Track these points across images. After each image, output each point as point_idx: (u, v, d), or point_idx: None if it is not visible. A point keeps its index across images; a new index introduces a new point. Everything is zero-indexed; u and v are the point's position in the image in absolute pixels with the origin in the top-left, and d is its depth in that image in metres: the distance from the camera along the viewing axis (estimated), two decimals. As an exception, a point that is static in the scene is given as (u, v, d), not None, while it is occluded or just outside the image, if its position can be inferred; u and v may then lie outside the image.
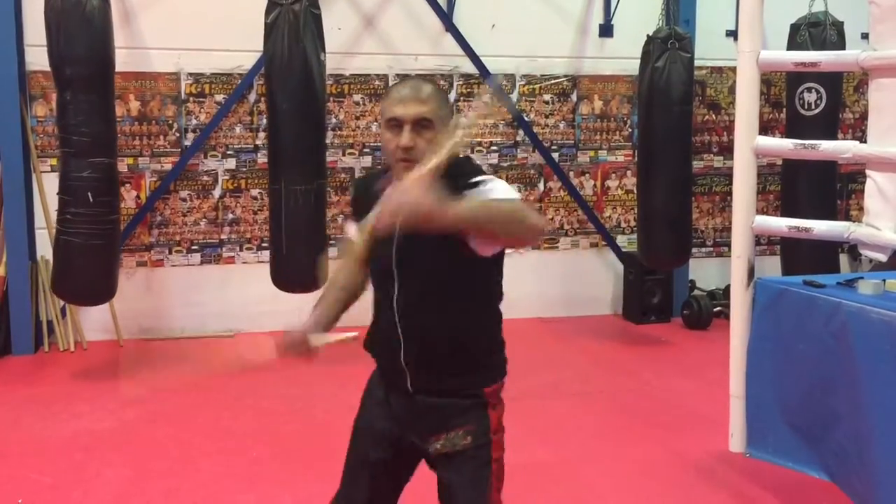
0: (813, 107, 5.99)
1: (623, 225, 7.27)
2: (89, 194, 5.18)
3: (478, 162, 2.41)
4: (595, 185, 7.19)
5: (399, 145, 2.06)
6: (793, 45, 5.98)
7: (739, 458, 4.07)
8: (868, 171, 3.73)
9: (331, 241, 6.51)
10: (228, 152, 6.52)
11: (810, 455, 3.82)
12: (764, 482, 3.78)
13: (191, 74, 6.40)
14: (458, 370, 2.15)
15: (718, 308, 6.80)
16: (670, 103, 6.11)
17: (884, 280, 3.74)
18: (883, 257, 3.78)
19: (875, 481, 3.34)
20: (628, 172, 7.18)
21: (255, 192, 6.55)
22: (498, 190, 2.03)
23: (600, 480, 3.83)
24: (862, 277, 3.90)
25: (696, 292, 7.07)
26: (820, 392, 3.71)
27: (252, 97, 6.48)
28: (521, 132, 6.98)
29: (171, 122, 6.40)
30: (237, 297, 6.51)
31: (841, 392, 3.57)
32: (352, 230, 2.26)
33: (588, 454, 4.12)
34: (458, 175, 2.05)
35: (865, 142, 3.80)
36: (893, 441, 3.25)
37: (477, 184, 2.04)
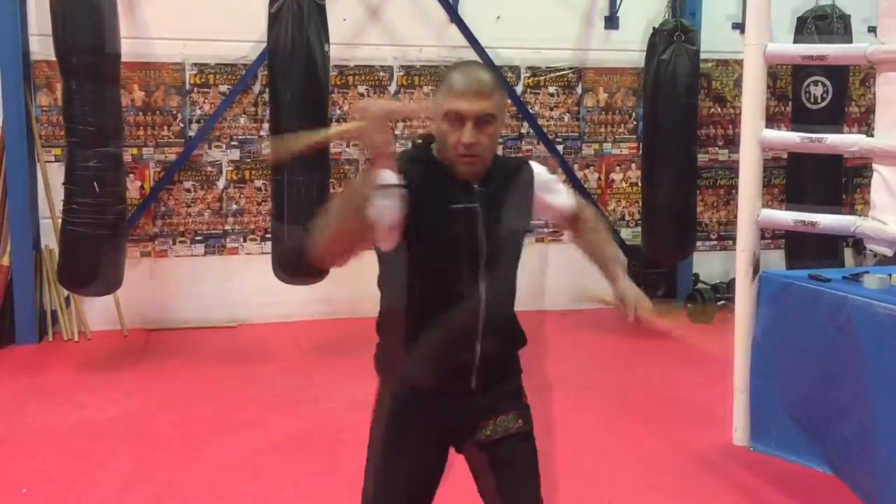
0: (819, 100, 5.97)
1: (627, 218, 7.25)
2: (95, 184, 5.17)
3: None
4: (599, 178, 7.17)
5: (461, 142, 1.97)
6: (799, 37, 5.95)
7: (743, 452, 4.06)
8: (875, 165, 3.71)
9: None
10: (232, 143, 6.51)
11: (813, 449, 3.81)
12: (767, 476, 3.78)
13: (195, 64, 6.38)
14: (511, 356, 2.19)
15: (722, 301, 6.78)
16: (676, 96, 6.09)
17: (890, 274, 3.73)
18: (889, 252, 3.76)
19: (878, 475, 3.34)
20: (633, 165, 7.16)
21: (258, 182, 6.54)
22: (569, 193, 2.28)
23: (603, 473, 3.83)
24: (867, 272, 3.89)
25: (700, 285, 7.06)
26: (824, 386, 3.70)
27: (256, 88, 6.47)
28: (525, 124, 6.96)
29: (175, 112, 6.39)
30: (241, 288, 6.51)
31: (845, 386, 3.56)
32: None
33: (591, 447, 4.11)
34: (513, 167, 2.17)
35: (872, 135, 3.78)
36: (897, 436, 3.24)
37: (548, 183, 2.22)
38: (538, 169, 2.20)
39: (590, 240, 2.29)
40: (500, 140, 6.90)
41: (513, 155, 6.92)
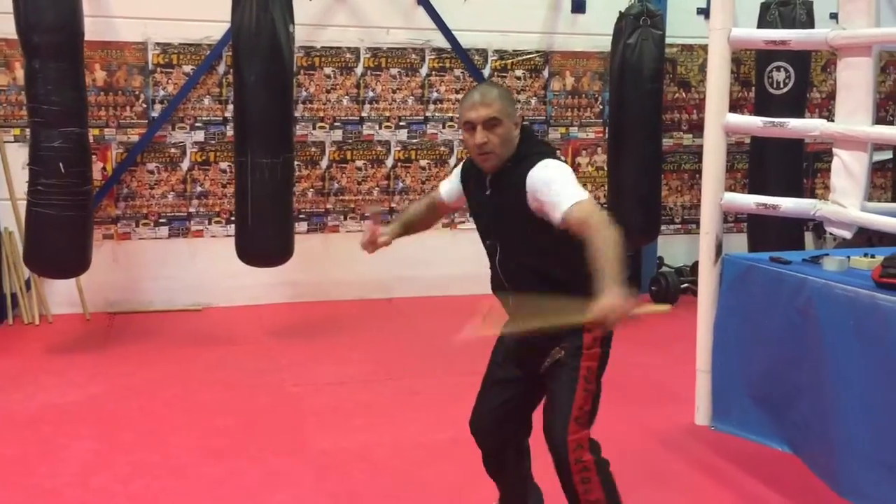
0: (781, 86, 6.05)
1: (593, 202, 7.29)
2: (61, 165, 5.08)
3: (539, 139, 3.04)
4: (566, 162, 7.19)
5: (475, 142, 2.58)
6: (763, 23, 6.02)
7: (705, 431, 4.14)
8: (835, 150, 3.78)
9: (299, 216, 6.49)
10: (197, 124, 6.44)
11: (773, 428, 3.89)
12: (728, 454, 3.85)
13: (158, 44, 6.29)
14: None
15: (686, 284, 6.87)
16: (641, 80, 6.13)
17: (848, 257, 3.80)
18: (848, 234, 3.83)
19: (836, 454, 3.41)
20: (599, 149, 7.20)
21: (223, 164, 6.48)
22: (565, 193, 2.48)
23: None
24: (827, 254, 3.96)
25: (664, 269, 7.14)
26: (784, 366, 3.77)
27: (221, 68, 6.40)
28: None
29: (137, 92, 6.29)
30: (206, 271, 6.46)
31: (805, 366, 3.63)
32: (444, 188, 2.95)
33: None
34: (521, 165, 2.57)
35: (833, 120, 3.84)
36: (854, 414, 3.32)
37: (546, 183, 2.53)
38: (537, 170, 2.54)
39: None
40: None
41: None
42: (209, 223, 6.53)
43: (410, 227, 3.03)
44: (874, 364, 3.23)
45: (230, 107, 6.29)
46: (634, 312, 2.35)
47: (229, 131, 6.34)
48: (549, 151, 2.68)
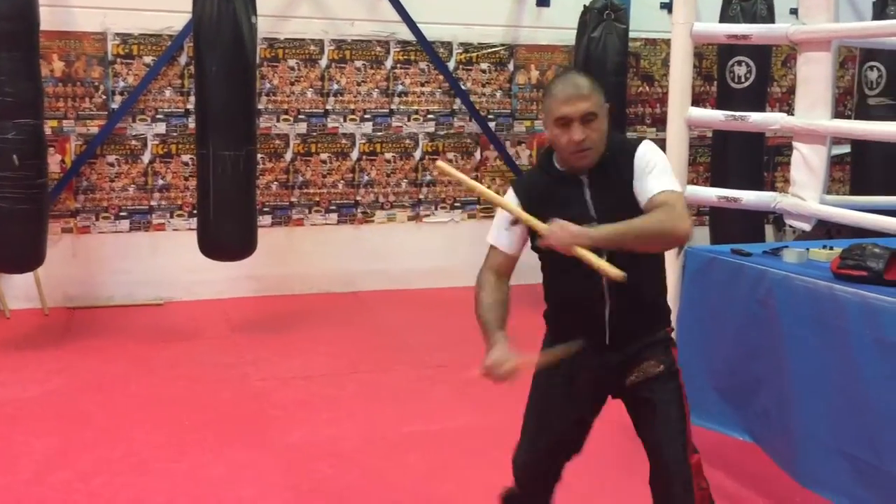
0: (743, 80, 6.12)
1: (558, 195, 7.32)
2: (15, 157, 4.98)
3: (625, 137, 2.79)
4: (531, 155, 7.22)
5: (572, 140, 2.30)
6: (725, 18, 6.08)
7: (668, 422, 4.17)
8: (795, 143, 3.84)
9: (263, 209, 6.43)
10: (158, 116, 6.34)
11: (736, 418, 3.94)
12: (691, 445, 3.89)
13: (118, 35, 6.19)
14: (647, 317, 2.50)
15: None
16: (605, 74, 6.15)
17: (807, 249, 3.86)
18: (807, 226, 3.90)
19: (795, 443, 3.47)
20: (563, 143, 7.21)
21: (185, 157, 6.39)
22: (665, 178, 2.31)
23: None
24: (787, 246, 4.02)
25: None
26: (745, 357, 3.82)
27: (183, 59, 6.31)
28: (457, 101, 6.96)
29: (97, 83, 6.19)
30: (167, 265, 6.37)
31: (765, 357, 3.68)
32: (503, 240, 2.48)
33: (516, 420, 4.16)
34: (620, 152, 2.37)
35: (793, 114, 3.90)
36: (813, 404, 3.37)
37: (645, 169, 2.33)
38: (641, 150, 2.36)
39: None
40: (433, 116, 6.90)
41: (445, 132, 6.93)
42: (171, 216, 6.45)
43: (505, 320, 2.44)
44: (832, 354, 3.29)
45: (192, 98, 6.21)
46: (582, 253, 2.19)
47: (191, 123, 6.25)
48: (636, 139, 2.55)
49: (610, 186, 2.36)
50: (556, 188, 2.40)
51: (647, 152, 2.37)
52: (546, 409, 2.53)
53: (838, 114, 6.44)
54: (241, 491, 3.42)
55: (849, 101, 7.21)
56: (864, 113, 6.20)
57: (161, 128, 6.35)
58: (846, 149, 6.81)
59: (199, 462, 3.68)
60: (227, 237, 5.51)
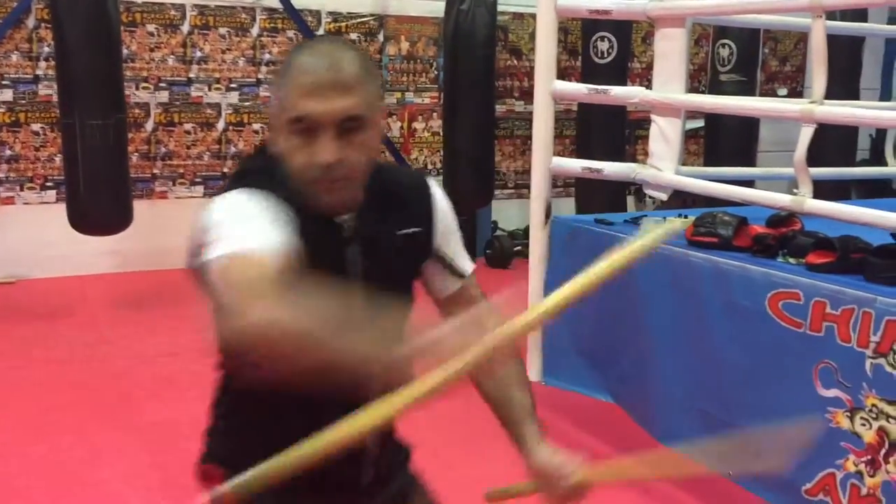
0: (605, 55, 6.32)
1: (430, 167, 7.37)
2: None
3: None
4: (402, 127, 7.22)
5: (315, 160, 1.35)
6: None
7: (537, 387, 4.29)
8: (652, 116, 4.00)
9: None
10: (4, 82, 5.95)
11: (599, 381, 4.11)
12: (557, 407, 4.01)
13: (-43, -6, 5.76)
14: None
15: (518, 247, 7.09)
16: (474, 46, 6.23)
17: (664, 217, 4.04)
18: (664, 196, 4.08)
19: (653, 403, 3.67)
20: (434, 114, 7.26)
21: (35, 126, 6.03)
22: (465, 255, 1.64)
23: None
24: (646, 215, 4.21)
25: (498, 232, 7.34)
26: (609, 322, 3.99)
27: (31, 22, 5.93)
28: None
29: (-66, 46, 5.74)
30: (20, 241, 6.01)
31: (626, 321, 3.86)
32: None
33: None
34: (406, 186, 1.54)
35: (651, 89, 4.06)
36: (669, 364, 3.57)
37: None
38: (439, 193, 1.57)
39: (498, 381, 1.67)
40: (235, 85, 6.78)
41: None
42: (21, 189, 6.08)
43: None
44: (686, 317, 3.48)
45: (42, 63, 5.86)
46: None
47: (42, 90, 5.90)
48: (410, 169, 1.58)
49: (387, 243, 1.48)
50: (314, 227, 1.39)
51: (444, 197, 1.58)
52: None
53: (693, 89, 6.75)
54: (101, 472, 3.30)
55: (703, 78, 7.56)
56: (716, 88, 6.54)
57: (8, 94, 5.96)
58: (700, 123, 7.16)
59: (59, 444, 3.52)
60: (101, 210, 5.25)
